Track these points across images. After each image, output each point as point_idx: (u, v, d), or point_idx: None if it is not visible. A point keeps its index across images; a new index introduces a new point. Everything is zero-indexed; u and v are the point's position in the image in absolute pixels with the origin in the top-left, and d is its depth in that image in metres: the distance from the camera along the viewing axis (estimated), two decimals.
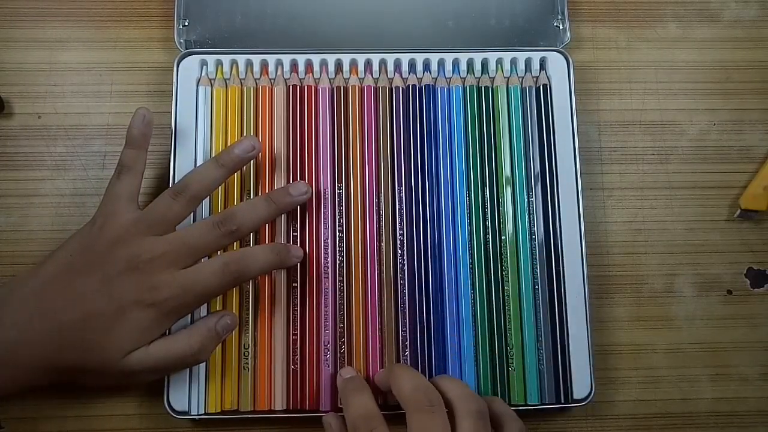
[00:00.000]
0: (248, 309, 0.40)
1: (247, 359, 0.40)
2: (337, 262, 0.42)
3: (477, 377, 0.40)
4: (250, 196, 0.42)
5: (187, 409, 0.39)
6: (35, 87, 0.45)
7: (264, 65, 0.44)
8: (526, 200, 0.43)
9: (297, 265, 0.41)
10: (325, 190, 0.42)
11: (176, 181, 0.40)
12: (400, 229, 0.42)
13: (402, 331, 0.41)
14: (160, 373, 0.38)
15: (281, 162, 0.42)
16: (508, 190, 0.43)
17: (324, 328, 0.41)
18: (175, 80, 0.43)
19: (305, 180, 0.42)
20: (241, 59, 0.44)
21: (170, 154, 0.42)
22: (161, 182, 0.43)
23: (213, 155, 0.42)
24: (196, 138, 0.43)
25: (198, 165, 0.42)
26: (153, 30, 0.46)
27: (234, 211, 0.39)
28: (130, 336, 0.36)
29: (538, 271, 0.42)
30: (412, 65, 0.45)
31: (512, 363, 0.41)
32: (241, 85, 0.44)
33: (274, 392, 0.40)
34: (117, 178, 0.38)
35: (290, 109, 0.43)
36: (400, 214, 0.42)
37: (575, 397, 0.40)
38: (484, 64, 0.45)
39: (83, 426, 0.41)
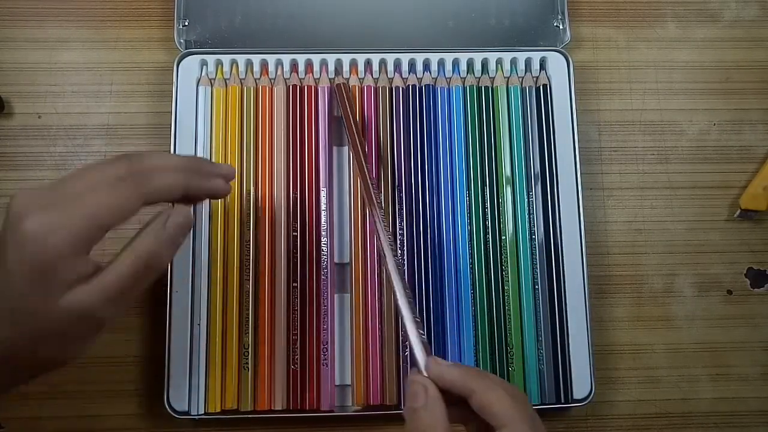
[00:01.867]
0: (248, 309, 0.40)
1: (247, 359, 0.40)
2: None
3: None
4: (250, 197, 0.42)
5: (187, 409, 0.39)
6: (35, 87, 0.45)
7: (264, 65, 0.44)
8: (526, 200, 0.43)
9: (297, 264, 0.41)
10: (324, 189, 0.42)
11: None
12: (400, 229, 0.42)
13: (402, 331, 0.41)
14: (116, 306, 0.29)
15: (281, 162, 0.42)
16: (508, 190, 0.43)
17: (324, 328, 0.41)
18: (175, 80, 0.43)
19: (305, 180, 0.42)
20: (241, 59, 0.44)
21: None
22: None
23: (213, 155, 0.42)
24: (196, 138, 0.43)
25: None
26: (153, 30, 0.46)
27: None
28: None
29: (538, 271, 0.42)
30: (412, 65, 0.45)
31: (512, 363, 0.41)
32: (241, 85, 0.44)
33: (274, 392, 0.40)
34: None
35: (290, 109, 0.43)
36: (400, 214, 0.42)
37: (575, 397, 0.40)
38: (484, 64, 0.45)
39: (83, 426, 0.41)
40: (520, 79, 0.45)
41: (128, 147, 0.44)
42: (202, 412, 0.39)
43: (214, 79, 0.44)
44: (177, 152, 0.42)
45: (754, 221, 0.45)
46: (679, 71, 0.47)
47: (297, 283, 0.41)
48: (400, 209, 0.42)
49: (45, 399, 0.41)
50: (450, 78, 0.45)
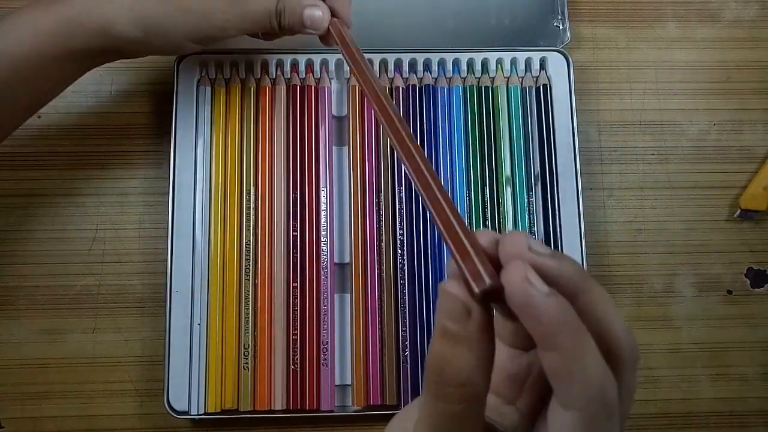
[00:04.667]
0: (248, 309, 0.40)
1: (247, 359, 0.40)
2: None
3: None
4: (250, 197, 0.42)
5: (187, 409, 0.39)
6: None
7: (264, 65, 0.44)
8: (526, 200, 0.43)
9: (297, 264, 0.41)
10: (325, 189, 0.42)
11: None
12: (400, 229, 0.42)
13: (402, 331, 0.41)
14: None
15: (281, 162, 0.42)
16: (508, 190, 0.43)
17: (324, 328, 0.41)
18: (175, 80, 0.43)
19: (305, 180, 0.42)
20: (242, 60, 0.44)
21: (170, 155, 0.42)
22: (161, 182, 0.43)
23: (213, 155, 0.42)
24: (196, 138, 0.43)
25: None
26: None
27: None
28: None
29: None
30: (412, 65, 0.45)
31: None
32: (242, 85, 0.44)
33: (274, 392, 0.40)
34: None
35: (291, 109, 0.43)
36: (400, 214, 0.42)
37: None
38: (485, 64, 0.45)
39: (83, 426, 0.41)
40: (520, 79, 0.45)
41: (129, 147, 0.44)
42: (202, 412, 0.39)
43: (215, 79, 0.44)
44: (177, 153, 0.42)
45: (754, 221, 0.45)
46: (679, 71, 0.47)
47: (297, 283, 0.41)
48: (400, 209, 0.42)
49: (45, 399, 0.41)
50: (450, 78, 0.45)
